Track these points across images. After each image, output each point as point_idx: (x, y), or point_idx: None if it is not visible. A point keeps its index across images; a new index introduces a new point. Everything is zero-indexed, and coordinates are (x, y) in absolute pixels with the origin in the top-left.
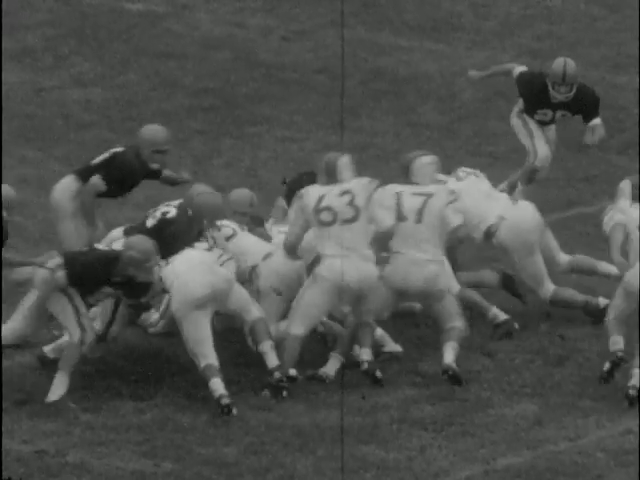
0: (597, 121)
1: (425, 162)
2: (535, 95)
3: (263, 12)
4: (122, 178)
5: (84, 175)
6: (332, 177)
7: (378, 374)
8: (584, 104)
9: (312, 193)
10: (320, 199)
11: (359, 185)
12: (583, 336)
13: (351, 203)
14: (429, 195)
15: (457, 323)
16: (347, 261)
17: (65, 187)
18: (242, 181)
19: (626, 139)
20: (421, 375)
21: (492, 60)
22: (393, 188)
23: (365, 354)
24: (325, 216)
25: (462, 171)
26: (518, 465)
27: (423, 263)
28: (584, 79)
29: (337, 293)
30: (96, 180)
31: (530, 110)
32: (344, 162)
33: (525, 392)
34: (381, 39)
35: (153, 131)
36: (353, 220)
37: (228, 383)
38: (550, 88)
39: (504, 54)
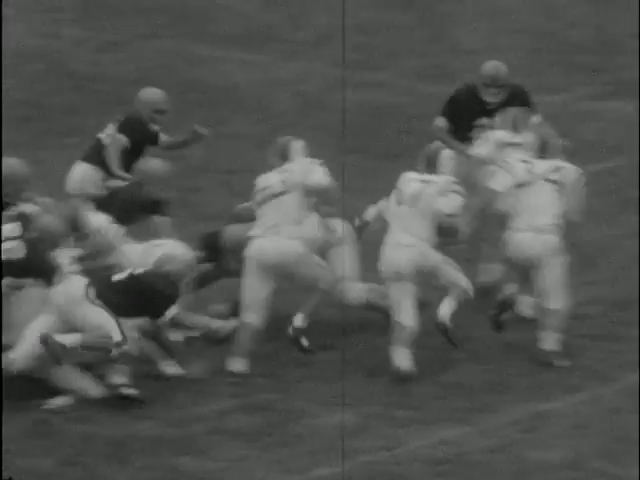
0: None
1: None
2: (468, 107)
3: (77, 23)
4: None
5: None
6: (284, 160)
7: (304, 342)
8: (520, 103)
9: (263, 177)
10: (264, 180)
11: (299, 164)
12: None
13: (285, 180)
14: (429, 182)
15: (461, 284)
16: (268, 239)
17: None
18: (60, 191)
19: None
20: (239, 385)
21: (307, 70)
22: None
23: (298, 320)
24: (260, 195)
25: None
26: (334, 476)
27: (408, 245)
28: (394, 88)
29: (265, 272)
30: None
31: (465, 128)
32: (297, 146)
33: (342, 402)
34: (196, 50)
35: (151, 93)
36: (282, 194)
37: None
38: (481, 94)
39: (319, 64)
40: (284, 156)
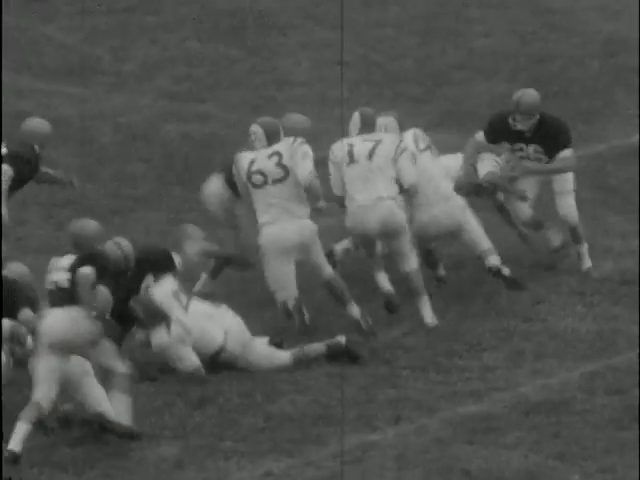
0: (566, 153)
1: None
2: (502, 131)
3: None
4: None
5: None
6: (261, 142)
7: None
8: (548, 135)
9: (244, 158)
10: (252, 163)
11: (286, 145)
12: (224, 378)
13: (279, 163)
14: (378, 141)
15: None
16: (282, 224)
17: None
18: None
19: None
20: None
21: (131, 102)
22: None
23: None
24: (257, 179)
25: None
26: None
27: (376, 202)
28: (219, 120)
29: (287, 254)
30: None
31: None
32: (275, 127)
33: (166, 434)
34: (21, 82)
35: (37, 123)
36: (283, 179)
37: None
38: (510, 120)
39: (143, 97)
40: (260, 138)
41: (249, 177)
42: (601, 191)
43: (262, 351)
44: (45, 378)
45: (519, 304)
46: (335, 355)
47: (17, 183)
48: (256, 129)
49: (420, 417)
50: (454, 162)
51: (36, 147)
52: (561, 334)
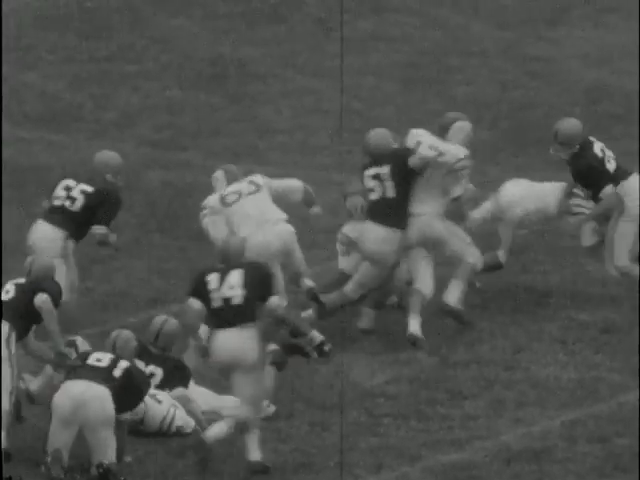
0: (608, 189)
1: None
2: None
3: None
4: None
5: None
6: (222, 185)
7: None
8: (576, 170)
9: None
10: (222, 196)
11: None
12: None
13: (251, 181)
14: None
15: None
16: (263, 231)
17: None
18: None
19: None
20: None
21: (112, 150)
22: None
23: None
24: (230, 197)
25: None
26: None
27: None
28: (202, 169)
29: (272, 259)
30: None
31: None
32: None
33: None
34: (2, 130)
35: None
36: (256, 192)
37: None
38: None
39: (124, 144)
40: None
41: (223, 200)
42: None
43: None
44: None
45: (500, 352)
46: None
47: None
48: (218, 174)
49: (402, 465)
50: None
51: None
52: (542, 382)
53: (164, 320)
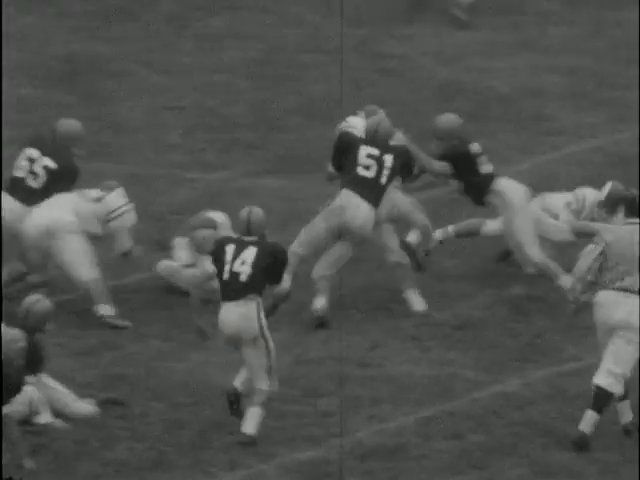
0: None
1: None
2: None
3: None
4: None
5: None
6: None
7: None
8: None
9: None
10: None
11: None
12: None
13: None
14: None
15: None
16: None
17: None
18: None
19: None
20: None
21: None
22: None
23: None
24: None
25: None
26: None
27: None
28: None
29: None
30: None
31: None
32: None
33: None
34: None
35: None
36: None
37: None
38: None
39: None
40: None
41: None
42: None
43: None
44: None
45: (355, 349)
46: None
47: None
48: None
49: (257, 463)
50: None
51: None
52: (397, 379)
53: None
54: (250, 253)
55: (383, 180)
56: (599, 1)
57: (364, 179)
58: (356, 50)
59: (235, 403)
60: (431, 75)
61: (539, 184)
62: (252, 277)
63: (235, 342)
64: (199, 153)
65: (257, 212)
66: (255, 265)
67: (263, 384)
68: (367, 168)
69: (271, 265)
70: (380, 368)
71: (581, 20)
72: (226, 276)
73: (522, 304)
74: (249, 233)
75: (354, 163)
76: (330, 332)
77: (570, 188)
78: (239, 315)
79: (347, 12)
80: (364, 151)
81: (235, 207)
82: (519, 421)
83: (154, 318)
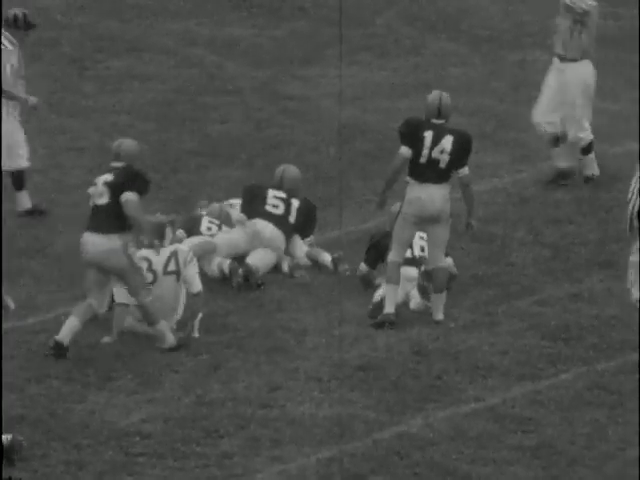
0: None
1: None
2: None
3: None
4: None
5: None
6: None
7: None
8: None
9: None
10: None
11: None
12: None
13: None
14: None
15: None
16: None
17: None
18: None
19: None
20: None
21: None
22: None
23: None
24: None
25: None
26: None
27: None
28: None
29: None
30: None
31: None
32: None
33: None
34: None
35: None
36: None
37: None
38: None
39: None
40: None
41: None
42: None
43: None
44: None
45: (256, 390)
46: None
47: None
48: None
49: None
50: None
51: None
52: (298, 420)
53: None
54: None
55: (291, 219)
56: (499, 42)
57: (272, 215)
58: (258, 91)
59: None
60: (332, 116)
61: None
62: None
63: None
64: None
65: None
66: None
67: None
68: (276, 207)
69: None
70: (281, 409)
71: (481, 61)
72: (424, 160)
73: (423, 345)
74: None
75: (264, 202)
76: (230, 373)
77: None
78: (442, 196)
79: (249, 53)
80: (272, 193)
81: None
82: (421, 462)
83: (55, 359)
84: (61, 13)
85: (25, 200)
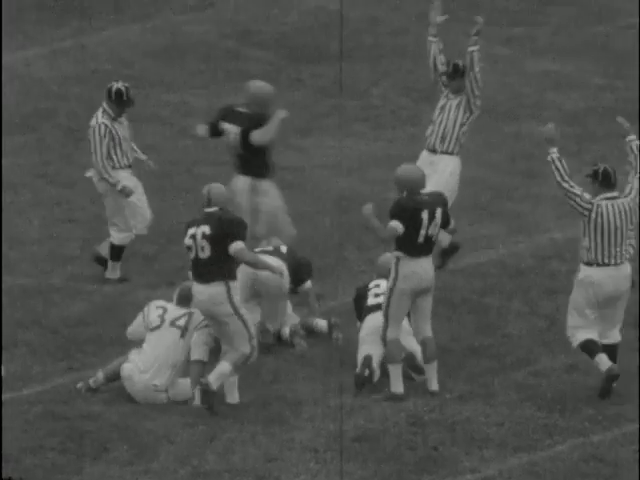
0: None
1: None
2: None
3: None
4: None
5: None
6: None
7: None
8: None
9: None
10: None
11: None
12: None
13: None
14: None
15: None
16: None
17: None
18: None
19: None
20: None
21: None
22: None
23: None
24: None
25: None
26: None
27: None
28: None
29: None
30: None
31: None
32: None
33: None
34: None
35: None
36: None
37: None
38: None
39: None
40: None
41: None
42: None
43: None
44: None
45: (252, 461)
46: None
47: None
48: None
49: None
50: None
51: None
52: None
53: None
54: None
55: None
56: (495, 113)
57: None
58: None
59: None
60: (328, 186)
61: (438, 296)
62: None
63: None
64: (96, 265)
65: None
66: None
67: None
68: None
69: None
70: None
71: (478, 132)
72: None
73: (419, 416)
74: None
75: None
76: (226, 444)
77: (468, 300)
78: (432, 266)
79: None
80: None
81: (131, 319)
82: None
83: (50, 430)
84: (57, 84)
85: (116, 270)
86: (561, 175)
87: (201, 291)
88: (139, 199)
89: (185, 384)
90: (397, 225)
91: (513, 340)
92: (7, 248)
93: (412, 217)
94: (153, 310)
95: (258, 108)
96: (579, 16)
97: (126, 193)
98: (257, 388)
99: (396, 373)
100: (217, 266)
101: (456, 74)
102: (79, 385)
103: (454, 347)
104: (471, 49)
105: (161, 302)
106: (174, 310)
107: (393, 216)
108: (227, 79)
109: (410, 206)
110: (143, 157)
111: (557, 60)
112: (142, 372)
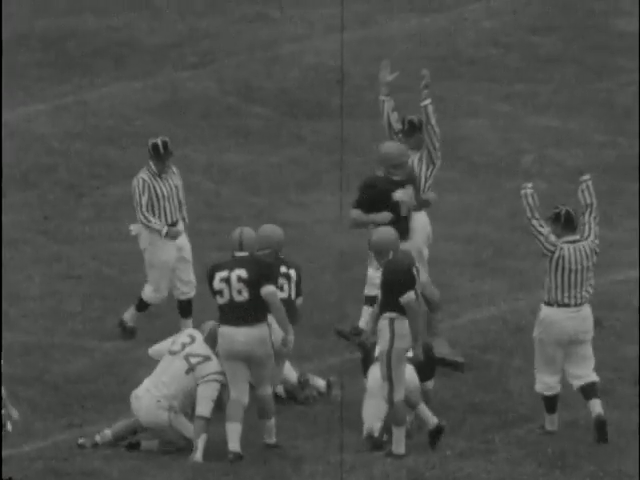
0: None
1: None
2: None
3: None
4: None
5: None
6: None
7: None
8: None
9: None
10: None
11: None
12: None
13: None
14: None
15: None
16: None
17: None
18: None
19: None
20: None
21: None
22: None
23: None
24: None
25: None
26: None
27: None
28: None
29: None
30: None
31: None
32: None
33: None
34: None
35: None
36: None
37: None
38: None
39: None
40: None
41: None
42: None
43: None
44: None
45: None
46: None
47: None
48: None
49: None
50: None
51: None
52: None
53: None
54: None
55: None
56: (496, 170)
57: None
58: (255, 218)
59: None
60: (328, 242)
61: None
62: None
63: None
64: (97, 322)
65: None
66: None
67: None
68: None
69: None
70: None
71: (478, 188)
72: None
73: (419, 472)
74: None
75: None
76: None
77: (469, 356)
78: None
79: (245, 181)
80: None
81: (133, 376)
82: None
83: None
84: (58, 140)
85: (133, 319)
86: (531, 211)
87: (243, 333)
88: (183, 258)
89: (187, 426)
90: (412, 295)
91: (514, 396)
92: (7, 305)
93: (406, 282)
94: (183, 336)
95: None
96: (580, 73)
97: (172, 235)
98: (258, 444)
99: (400, 435)
100: (257, 308)
101: (413, 130)
102: (80, 441)
103: (455, 403)
104: (424, 103)
105: (196, 333)
106: (199, 347)
107: (395, 282)
108: (228, 135)
109: (409, 273)
110: (183, 215)
111: (558, 116)
112: (148, 390)
